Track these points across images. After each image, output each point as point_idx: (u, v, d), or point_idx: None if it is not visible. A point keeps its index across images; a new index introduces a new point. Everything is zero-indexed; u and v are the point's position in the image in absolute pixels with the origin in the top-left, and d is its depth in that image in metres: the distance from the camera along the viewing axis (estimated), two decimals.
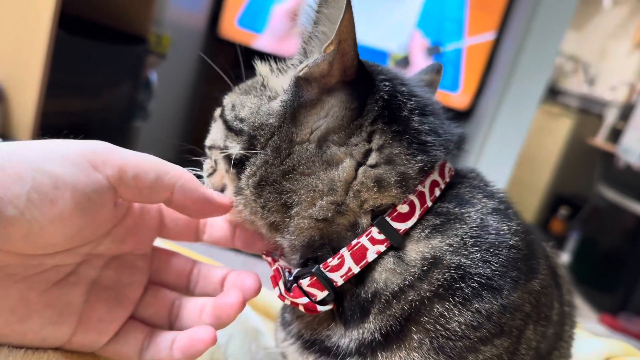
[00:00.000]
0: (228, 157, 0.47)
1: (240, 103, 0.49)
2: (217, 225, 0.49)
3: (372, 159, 0.44)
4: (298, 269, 0.46)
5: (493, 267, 0.42)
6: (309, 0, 0.44)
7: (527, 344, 0.44)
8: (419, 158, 0.44)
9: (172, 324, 0.45)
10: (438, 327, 0.41)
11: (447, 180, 0.47)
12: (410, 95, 0.47)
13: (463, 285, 0.42)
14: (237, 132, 0.47)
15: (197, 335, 0.41)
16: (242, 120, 0.47)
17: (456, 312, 0.41)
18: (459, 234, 0.43)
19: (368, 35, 2.73)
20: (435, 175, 0.46)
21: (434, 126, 0.46)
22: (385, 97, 0.45)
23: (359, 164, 0.44)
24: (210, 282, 0.47)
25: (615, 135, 3.62)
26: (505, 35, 2.68)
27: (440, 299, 0.42)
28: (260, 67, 0.51)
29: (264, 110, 0.47)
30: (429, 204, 0.45)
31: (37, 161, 0.34)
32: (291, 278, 0.46)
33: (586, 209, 3.82)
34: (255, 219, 0.47)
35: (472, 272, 0.42)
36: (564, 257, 3.61)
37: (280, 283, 0.46)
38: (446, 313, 0.41)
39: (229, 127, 0.48)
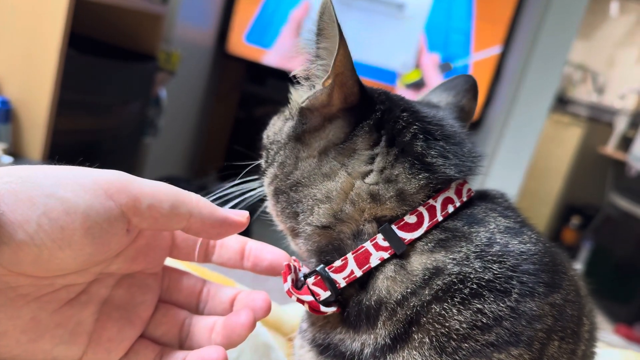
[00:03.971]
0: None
1: (272, 123, 0.57)
2: (226, 247, 0.49)
3: (371, 178, 0.48)
4: (308, 270, 0.49)
5: (495, 272, 0.43)
6: (309, 33, 0.48)
7: None
8: (420, 176, 0.47)
9: (182, 343, 0.45)
10: (437, 325, 0.42)
11: (464, 199, 0.48)
12: (416, 120, 0.49)
13: (462, 286, 0.42)
14: (263, 147, 0.56)
15: (208, 356, 0.41)
16: (267, 137, 0.56)
17: (455, 311, 0.42)
18: (463, 250, 0.44)
19: (373, 53, 2.74)
20: (450, 193, 0.47)
21: (442, 150, 0.48)
22: (373, 123, 0.49)
23: (356, 178, 0.48)
24: (220, 302, 0.47)
25: (626, 143, 3.60)
26: (513, 46, 2.68)
27: (439, 300, 0.43)
28: (292, 91, 0.55)
29: (282, 129, 0.54)
30: (440, 218, 0.46)
31: (50, 187, 0.34)
32: (302, 277, 0.48)
33: (598, 218, 3.79)
34: (279, 222, 0.53)
35: (472, 276, 0.43)
36: (577, 268, 3.57)
37: (289, 278, 0.47)
38: (444, 313, 0.42)
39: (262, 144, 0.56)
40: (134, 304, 0.43)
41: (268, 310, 0.46)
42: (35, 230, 0.32)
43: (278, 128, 0.55)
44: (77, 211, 0.34)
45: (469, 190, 0.49)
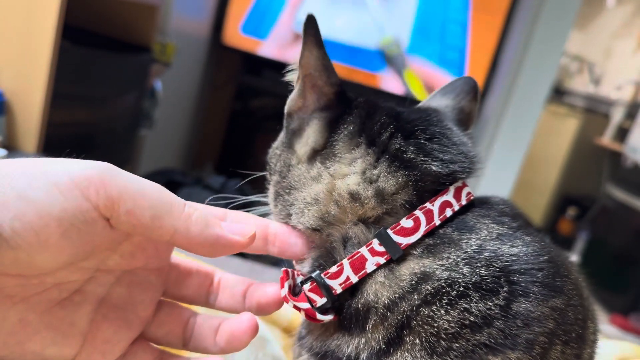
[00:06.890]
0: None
1: (279, 137, 0.57)
2: None
3: (352, 179, 0.47)
4: (305, 277, 0.47)
5: (482, 274, 0.42)
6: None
7: None
8: (399, 173, 0.46)
9: (186, 343, 0.43)
10: (426, 327, 0.41)
11: (463, 203, 0.47)
12: (394, 120, 0.49)
13: (449, 289, 0.42)
14: (268, 158, 0.56)
15: None
16: (271, 149, 0.57)
17: (443, 312, 0.41)
18: (452, 257, 0.43)
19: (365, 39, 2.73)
20: (448, 197, 0.46)
21: (422, 146, 0.47)
22: (352, 128, 0.49)
23: (338, 179, 0.48)
24: (231, 295, 0.45)
25: (622, 134, 3.61)
26: (510, 37, 2.68)
27: (428, 304, 0.42)
28: None
29: (279, 140, 0.55)
30: (437, 222, 0.45)
31: (23, 188, 0.32)
32: (299, 283, 0.47)
33: (594, 209, 3.80)
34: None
35: (460, 281, 0.42)
36: (573, 258, 3.58)
37: (286, 284, 0.46)
38: (433, 314, 0.41)
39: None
40: (133, 303, 0.41)
41: (279, 303, 0.45)
42: (10, 235, 0.31)
43: (279, 141, 0.56)
44: (50, 214, 0.32)
45: (469, 193, 0.48)
